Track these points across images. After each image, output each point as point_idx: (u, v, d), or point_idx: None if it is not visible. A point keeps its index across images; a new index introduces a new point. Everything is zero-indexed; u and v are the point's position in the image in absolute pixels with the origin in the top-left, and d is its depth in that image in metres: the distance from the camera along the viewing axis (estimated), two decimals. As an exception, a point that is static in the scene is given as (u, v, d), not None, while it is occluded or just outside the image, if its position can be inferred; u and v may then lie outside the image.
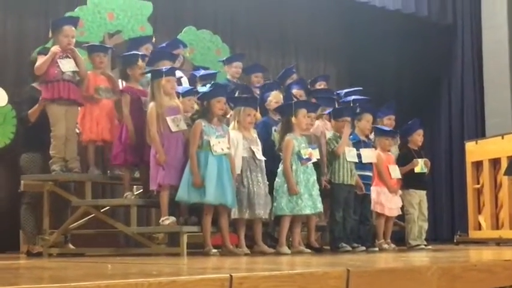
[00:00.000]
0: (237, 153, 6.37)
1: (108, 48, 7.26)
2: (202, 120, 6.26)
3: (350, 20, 11.80)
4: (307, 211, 6.55)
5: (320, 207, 6.63)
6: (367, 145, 7.40)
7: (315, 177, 6.67)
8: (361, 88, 8.40)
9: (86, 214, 6.98)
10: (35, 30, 8.71)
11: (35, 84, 7.07)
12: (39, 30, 8.69)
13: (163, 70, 6.37)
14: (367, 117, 7.46)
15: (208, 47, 9.49)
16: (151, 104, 6.30)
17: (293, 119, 6.62)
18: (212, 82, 7.08)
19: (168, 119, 6.26)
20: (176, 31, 9.21)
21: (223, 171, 6.17)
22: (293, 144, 6.57)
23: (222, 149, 6.19)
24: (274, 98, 7.16)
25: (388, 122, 8.02)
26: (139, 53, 6.90)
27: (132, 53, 6.95)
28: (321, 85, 8.39)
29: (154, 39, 7.64)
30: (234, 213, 6.36)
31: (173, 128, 6.27)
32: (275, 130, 6.95)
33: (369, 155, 7.31)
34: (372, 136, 7.78)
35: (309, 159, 6.59)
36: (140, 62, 6.74)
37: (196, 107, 6.69)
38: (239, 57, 8.42)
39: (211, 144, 6.16)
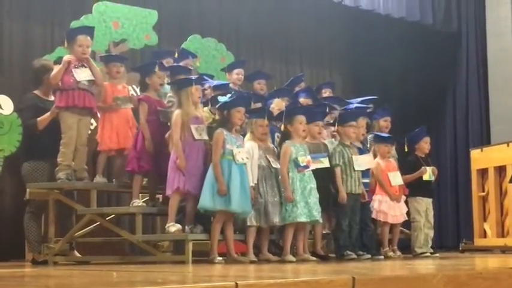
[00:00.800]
0: (253, 163, 6.41)
1: (124, 58, 7.32)
2: (223, 129, 6.30)
3: (355, 28, 11.80)
4: (303, 219, 6.52)
5: (316, 215, 6.58)
6: (362, 151, 7.37)
7: (313, 185, 6.64)
8: (376, 97, 8.37)
9: (91, 222, 6.99)
10: (41, 38, 8.73)
11: (37, 92, 7.10)
12: (45, 38, 8.72)
13: (193, 79, 6.46)
14: (361, 123, 7.45)
15: (213, 55, 9.50)
16: (177, 111, 6.35)
17: (289, 126, 6.63)
18: (233, 92, 7.10)
19: (192, 127, 6.32)
20: (181, 39, 9.22)
21: (245, 180, 6.26)
22: (290, 151, 6.57)
23: (243, 159, 6.26)
24: (277, 105, 7.16)
25: (384, 124, 8.00)
26: (157, 61, 6.93)
27: (149, 62, 7.01)
28: (326, 92, 8.39)
29: (177, 54, 7.66)
30: (251, 221, 6.39)
31: (196, 136, 6.33)
32: (278, 136, 6.98)
33: (365, 161, 7.29)
34: (369, 137, 7.77)
35: (306, 166, 6.59)
36: (158, 71, 6.78)
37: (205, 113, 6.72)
38: (240, 64, 8.40)
39: (234, 154, 6.21)
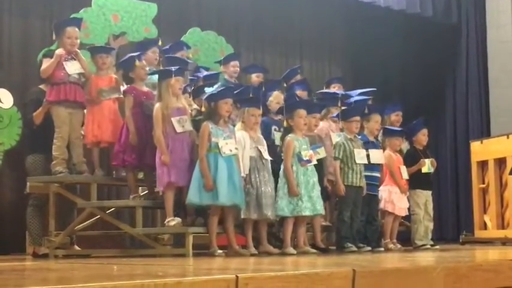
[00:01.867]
0: (245, 153, 6.36)
1: (110, 49, 7.25)
2: (209, 122, 6.26)
3: (355, 20, 11.78)
4: (307, 213, 6.52)
5: (319, 209, 6.60)
6: (375, 146, 7.38)
7: (315, 179, 6.63)
8: (375, 89, 8.36)
9: (91, 215, 6.99)
10: (40, 32, 8.71)
11: (42, 86, 7.08)
12: (44, 32, 8.69)
13: (173, 70, 6.37)
14: (376, 118, 7.45)
15: (213, 48, 9.50)
16: (157, 105, 6.29)
17: (290, 120, 6.62)
18: (219, 83, 7.05)
19: (174, 120, 6.25)
20: (181, 32, 9.21)
21: (233, 172, 6.18)
22: (294, 145, 6.56)
23: (231, 150, 6.19)
24: (275, 98, 7.15)
25: (395, 118, 8.01)
26: (135, 54, 6.88)
27: (127, 56, 6.95)
28: (335, 87, 8.35)
29: (160, 42, 7.62)
30: (244, 213, 6.36)
31: (178, 129, 6.26)
32: (275, 130, 6.95)
33: (377, 155, 7.30)
34: (379, 135, 7.77)
35: (309, 160, 6.57)
36: (138, 62, 6.73)
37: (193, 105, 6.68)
38: (236, 57, 8.37)
39: (220, 146, 6.15)
